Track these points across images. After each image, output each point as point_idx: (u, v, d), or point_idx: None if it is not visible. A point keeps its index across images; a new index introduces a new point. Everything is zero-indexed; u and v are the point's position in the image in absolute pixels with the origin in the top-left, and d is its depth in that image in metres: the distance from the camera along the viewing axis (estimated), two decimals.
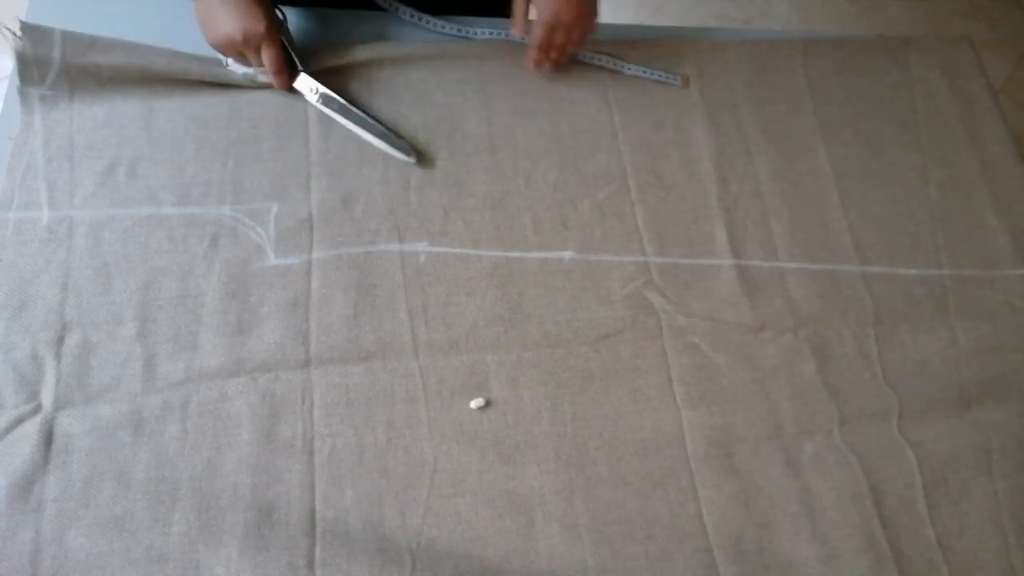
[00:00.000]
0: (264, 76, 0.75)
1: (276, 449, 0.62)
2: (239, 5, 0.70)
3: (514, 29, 0.79)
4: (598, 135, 0.79)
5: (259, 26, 0.70)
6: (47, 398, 0.61)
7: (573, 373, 0.67)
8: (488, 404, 0.65)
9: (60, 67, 0.73)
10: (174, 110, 0.74)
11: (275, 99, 0.76)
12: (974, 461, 0.66)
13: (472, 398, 0.65)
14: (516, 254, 0.72)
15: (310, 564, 0.58)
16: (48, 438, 0.60)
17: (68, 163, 0.70)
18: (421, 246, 0.71)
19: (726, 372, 0.68)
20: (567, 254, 0.73)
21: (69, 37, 0.73)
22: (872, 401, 0.69)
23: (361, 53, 0.79)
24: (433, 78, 0.80)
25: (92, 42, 0.73)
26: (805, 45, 0.87)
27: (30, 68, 0.72)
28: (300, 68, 0.75)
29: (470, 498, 0.62)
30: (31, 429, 0.60)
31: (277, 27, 0.73)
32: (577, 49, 0.80)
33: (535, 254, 0.72)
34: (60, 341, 0.63)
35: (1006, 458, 0.67)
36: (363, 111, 0.76)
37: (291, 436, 0.62)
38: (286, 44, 0.74)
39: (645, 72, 0.82)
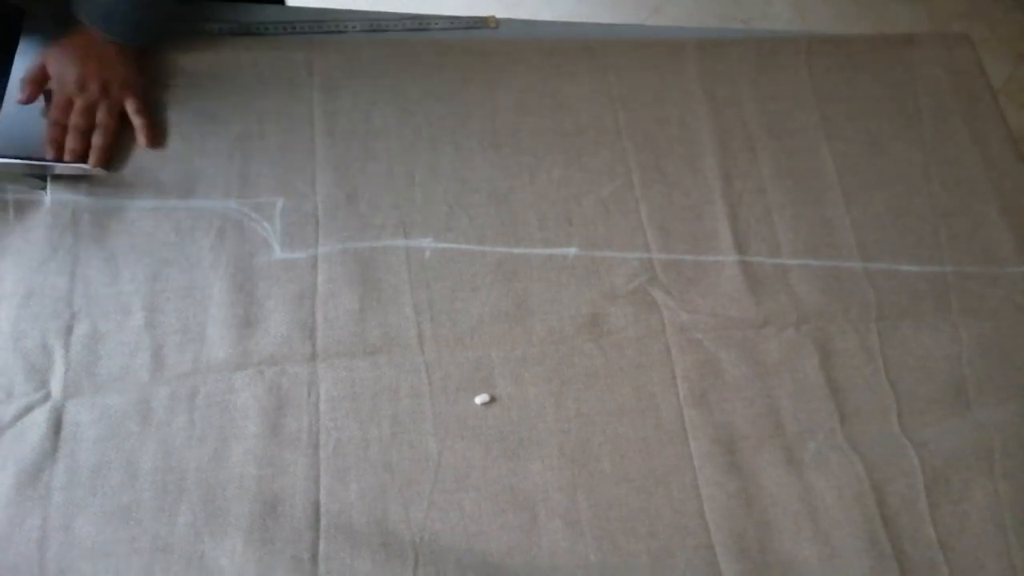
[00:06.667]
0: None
1: (282, 442, 0.62)
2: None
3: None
4: (602, 131, 0.79)
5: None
6: (56, 386, 0.62)
7: (577, 370, 0.67)
8: (492, 400, 0.65)
9: None
10: (181, 103, 0.75)
11: (281, 94, 0.76)
12: (975, 461, 0.66)
13: (477, 394, 0.65)
14: (520, 250, 0.72)
15: (314, 557, 0.58)
16: (57, 426, 0.60)
17: None
18: (426, 242, 0.71)
19: (729, 368, 0.68)
20: (571, 250, 0.73)
21: None
22: (874, 398, 0.69)
23: (367, 51, 0.80)
24: (438, 75, 0.80)
25: None
26: (808, 43, 0.87)
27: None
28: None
29: (473, 493, 0.62)
30: (40, 417, 0.60)
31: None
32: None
33: (539, 250, 0.73)
34: (69, 330, 0.64)
35: (1008, 458, 0.66)
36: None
37: (297, 429, 0.62)
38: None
39: (452, 23, 0.84)
